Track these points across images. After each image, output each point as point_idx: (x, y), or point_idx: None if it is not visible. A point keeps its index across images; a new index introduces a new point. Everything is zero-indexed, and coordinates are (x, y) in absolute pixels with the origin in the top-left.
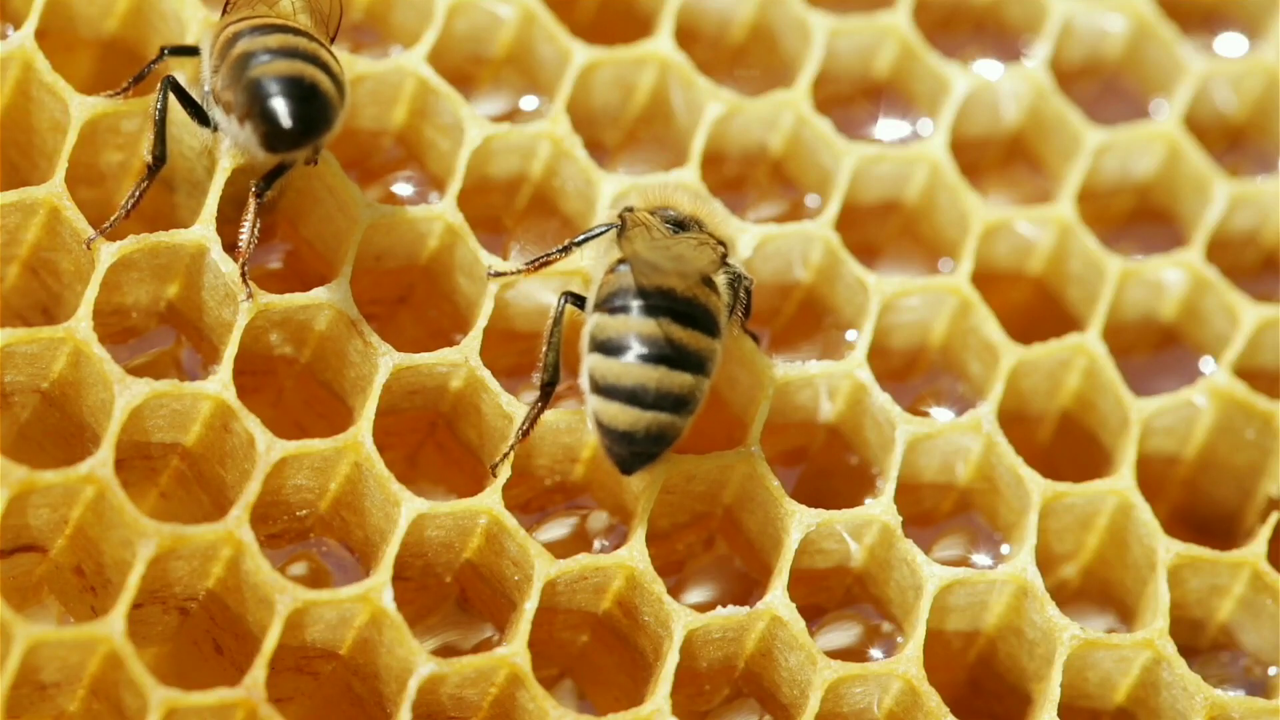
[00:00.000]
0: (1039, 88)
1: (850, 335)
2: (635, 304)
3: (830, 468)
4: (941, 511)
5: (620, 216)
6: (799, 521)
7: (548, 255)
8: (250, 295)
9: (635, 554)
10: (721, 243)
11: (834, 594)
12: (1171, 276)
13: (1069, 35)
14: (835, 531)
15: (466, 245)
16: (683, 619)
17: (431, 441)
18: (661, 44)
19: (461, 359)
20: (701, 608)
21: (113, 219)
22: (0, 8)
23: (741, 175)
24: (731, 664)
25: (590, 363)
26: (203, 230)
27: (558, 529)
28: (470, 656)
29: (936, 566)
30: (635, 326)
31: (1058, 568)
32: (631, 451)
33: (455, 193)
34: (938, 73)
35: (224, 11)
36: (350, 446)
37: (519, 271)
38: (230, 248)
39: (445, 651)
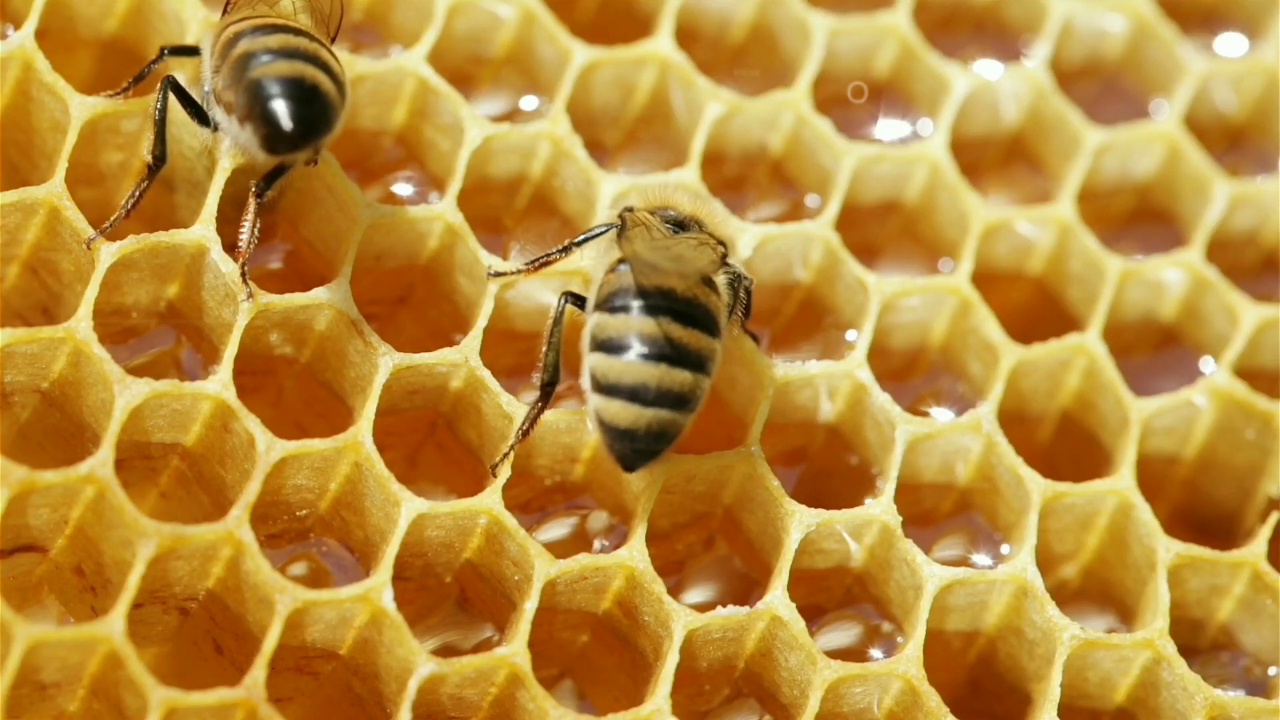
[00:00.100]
0: (1039, 88)
1: (850, 335)
2: (635, 304)
3: (830, 468)
4: (941, 511)
5: (620, 216)
6: (799, 521)
7: (548, 255)
8: (250, 295)
9: (635, 554)
10: (721, 243)
11: (834, 594)
12: (1171, 276)
13: (1069, 35)
14: (835, 531)
15: (466, 245)
16: (683, 619)
17: (431, 441)
18: (661, 44)
19: (461, 359)
20: (701, 608)
21: (113, 219)
22: (0, 8)
23: (741, 175)
24: (731, 664)
25: (591, 362)
26: (203, 230)
27: (558, 529)
28: (470, 656)
29: (936, 566)
30: (636, 326)
31: (1058, 568)
32: (633, 449)
33: (455, 193)
34: (938, 73)
35: (224, 11)
36: (350, 446)
37: (519, 271)
38: (230, 248)
39: (445, 651)
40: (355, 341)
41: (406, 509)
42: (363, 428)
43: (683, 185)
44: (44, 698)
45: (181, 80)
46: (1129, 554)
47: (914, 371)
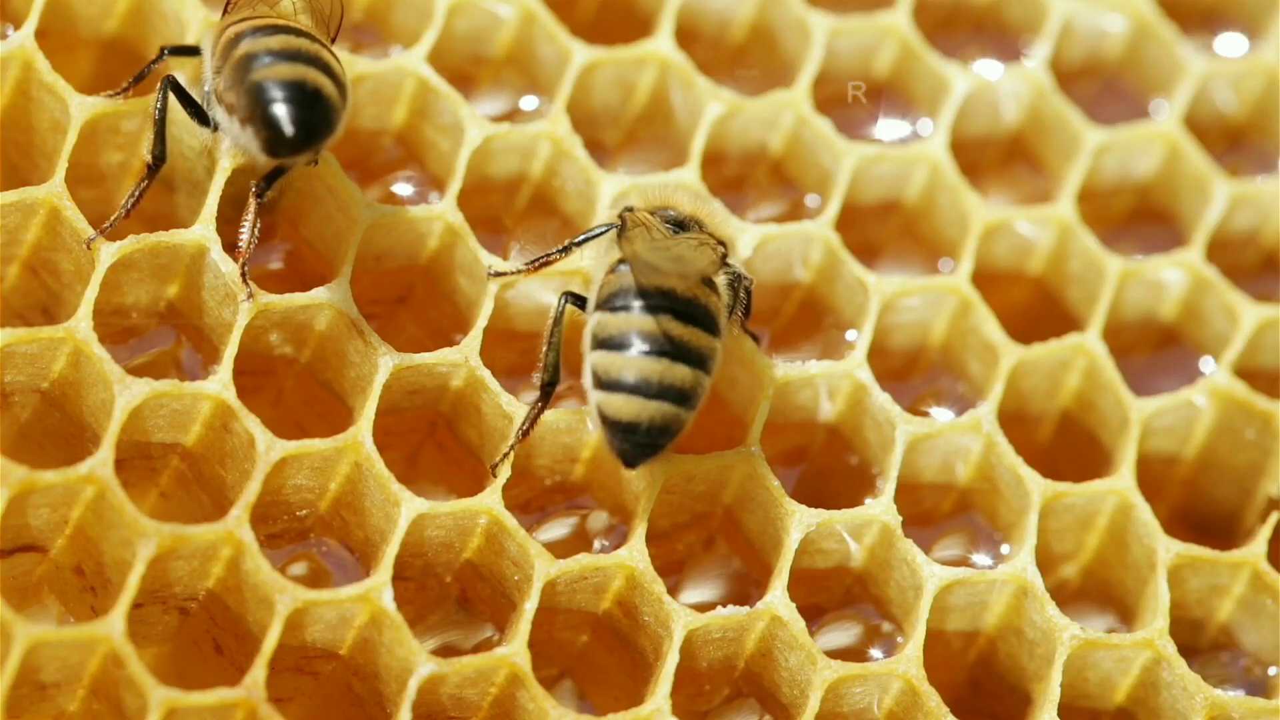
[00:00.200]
0: (1039, 88)
1: (850, 335)
2: (636, 303)
3: (830, 468)
4: (941, 511)
5: (620, 216)
6: (799, 521)
7: (548, 255)
8: (250, 295)
9: (635, 554)
10: (721, 243)
11: (834, 594)
12: (1171, 276)
13: (1069, 35)
14: (835, 531)
15: (466, 245)
16: (683, 619)
17: (431, 441)
18: (661, 44)
19: (461, 359)
20: (701, 608)
21: (113, 219)
22: (0, 8)
23: (741, 175)
24: (731, 664)
25: (593, 359)
26: (203, 230)
27: (558, 529)
28: (470, 656)
29: (936, 566)
30: (637, 324)
31: (1058, 568)
32: (635, 444)
33: (455, 193)
34: (938, 73)
35: (225, 11)
36: (350, 446)
37: (519, 271)
38: (230, 248)
39: (445, 651)
40: (355, 341)
41: (406, 509)
42: (363, 428)
43: (683, 185)
44: (44, 698)
45: (181, 80)
46: (1129, 554)
47: (914, 371)
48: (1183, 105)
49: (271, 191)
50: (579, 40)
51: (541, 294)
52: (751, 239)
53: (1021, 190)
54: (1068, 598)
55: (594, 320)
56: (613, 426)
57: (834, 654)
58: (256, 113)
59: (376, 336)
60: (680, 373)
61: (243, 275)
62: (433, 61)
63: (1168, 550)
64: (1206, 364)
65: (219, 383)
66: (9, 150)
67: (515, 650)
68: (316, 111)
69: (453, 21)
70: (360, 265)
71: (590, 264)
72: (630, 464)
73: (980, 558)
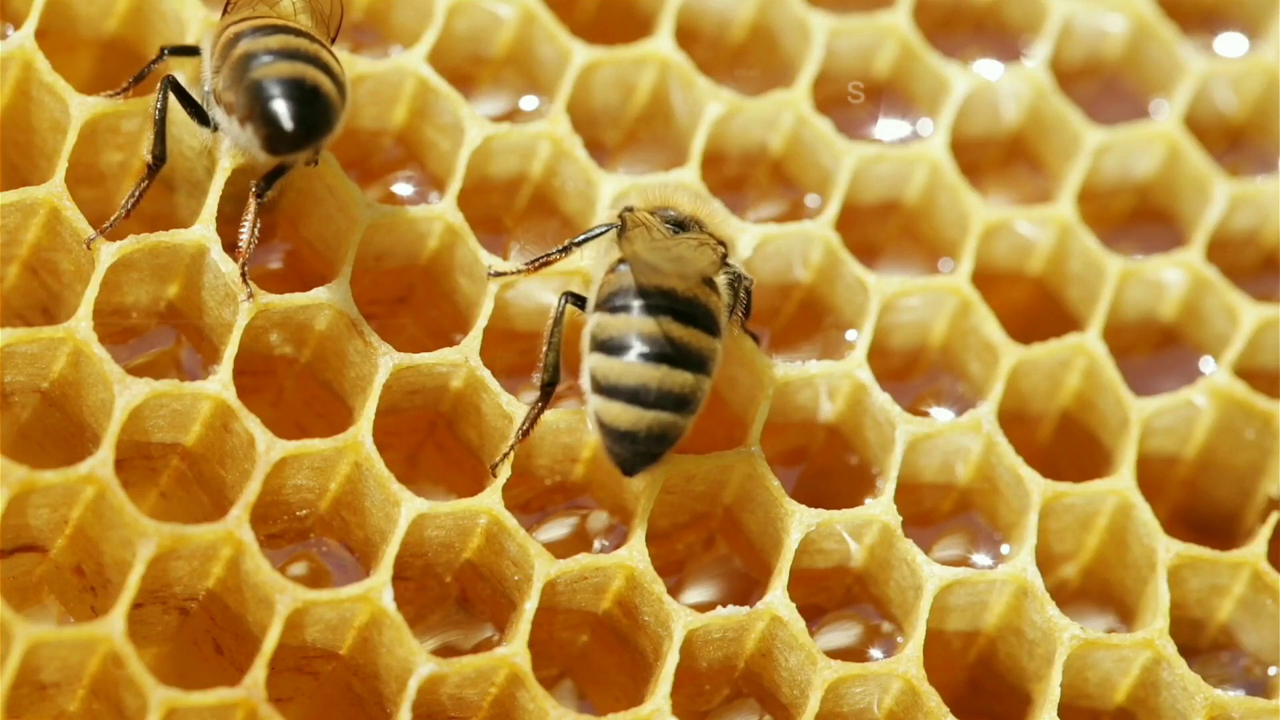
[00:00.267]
0: (1039, 88)
1: (850, 335)
2: (636, 304)
3: (830, 468)
4: (941, 511)
5: (620, 216)
6: (799, 521)
7: (548, 255)
8: (250, 295)
9: (635, 554)
10: (721, 243)
11: (834, 594)
12: (1171, 276)
13: (1069, 35)
14: (835, 531)
15: (466, 245)
16: (683, 619)
17: (431, 441)
18: (661, 44)
19: (461, 359)
20: (701, 608)
21: (113, 219)
22: (0, 8)
23: (741, 175)
24: (731, 664)
25: (591, 363)
26: (203, 230)
27: (558, 529)
28: (470, 656)
29: (936, 566)
30: (636, 325)
31: (1058, 568)
32: (634, 452)
33: (455, 193)
34: (938, 73)
35: (224, 11)
36: (350, 446)
37: (519, 271)
38: (230, 248)
39: (445, 651)
40: (355, 341)
41: (406, 509)
42: (363, 428)
43: (683, 185)
44: (44, 698)
45: (181, 80)
46: (1129, 554)
47: (914, 371)
48: (1183, 105)
49: (271, 191)
50: (579, 40)
51: (541, 294)
52: (751, 239)
53: (1021, 190)
54: (1068, 598)
55: (593, 321)
56: (610, 434)
57: (834, 654)
58: (256, 110)
59: (376, 336)
60: (679, 378)
61: (243, 275)
62: (433, 61)
63: (1168, 550)
64: (1206, 364)
65: (219, 383)
66: (9, 150)
67: (515, 650)
68: (316, 108)
69: (453, 21)
70: (360, 265)
71: (590, 264)
72: (628, 472)
73: (980, 558)
